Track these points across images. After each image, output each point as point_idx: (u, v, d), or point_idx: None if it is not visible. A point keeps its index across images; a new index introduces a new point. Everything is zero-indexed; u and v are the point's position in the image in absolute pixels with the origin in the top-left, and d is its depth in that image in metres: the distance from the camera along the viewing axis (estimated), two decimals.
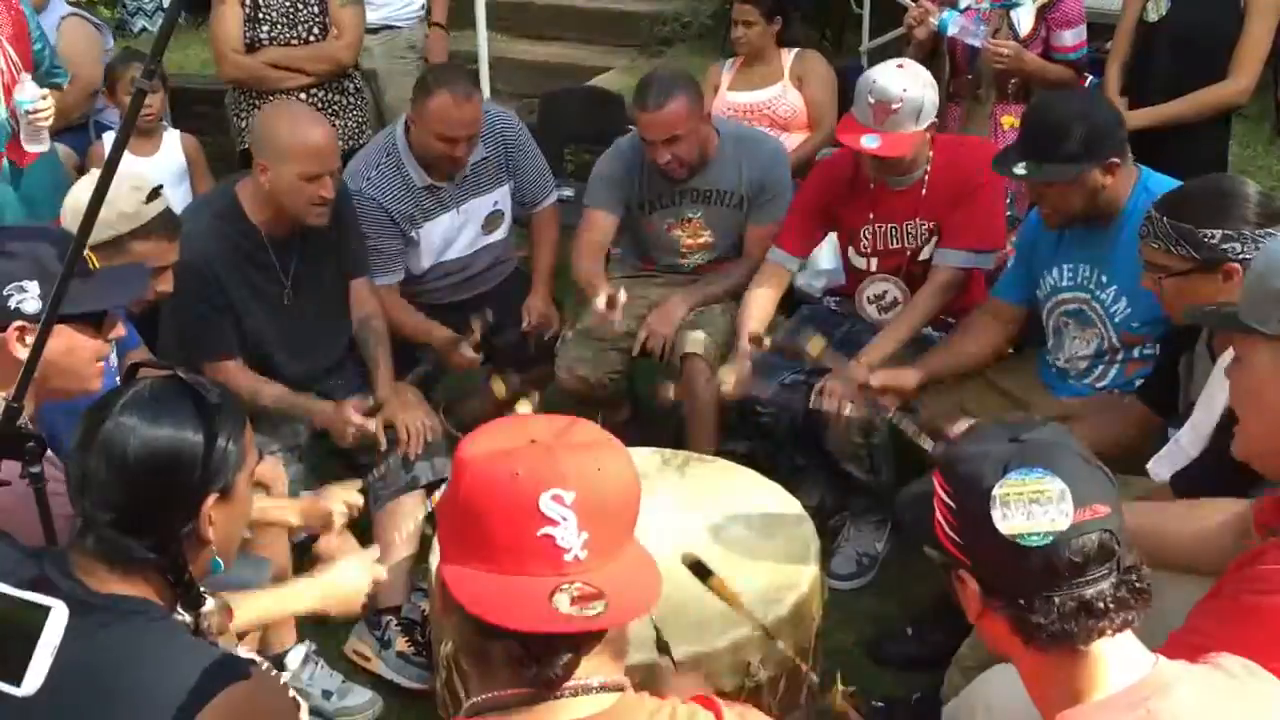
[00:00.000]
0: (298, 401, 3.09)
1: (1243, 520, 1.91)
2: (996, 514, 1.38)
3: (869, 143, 3.13)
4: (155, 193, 2.68)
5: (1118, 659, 1.40)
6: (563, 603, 1.20)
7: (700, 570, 2.15)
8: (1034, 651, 1.41)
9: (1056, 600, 1.36)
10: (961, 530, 1.43)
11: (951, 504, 1.44)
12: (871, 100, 3.10)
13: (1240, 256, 2.28)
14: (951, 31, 3.77)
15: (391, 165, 3.48)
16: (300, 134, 2.98)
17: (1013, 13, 3.79)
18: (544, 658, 1.23)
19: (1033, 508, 1.37)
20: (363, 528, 3.17)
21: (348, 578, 2.23)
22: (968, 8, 3.81)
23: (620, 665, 1.31)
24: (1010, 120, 3.89)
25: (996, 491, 1.38)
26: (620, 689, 1.29)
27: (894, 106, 3.08)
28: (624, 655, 1.32)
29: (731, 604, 2.19)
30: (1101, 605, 1.36)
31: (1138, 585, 1.39)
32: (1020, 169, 2.79)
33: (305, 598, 2.18)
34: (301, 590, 2.19)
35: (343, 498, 2.62)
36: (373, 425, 3.08)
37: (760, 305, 3.40)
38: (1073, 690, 1.40)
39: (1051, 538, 1.36)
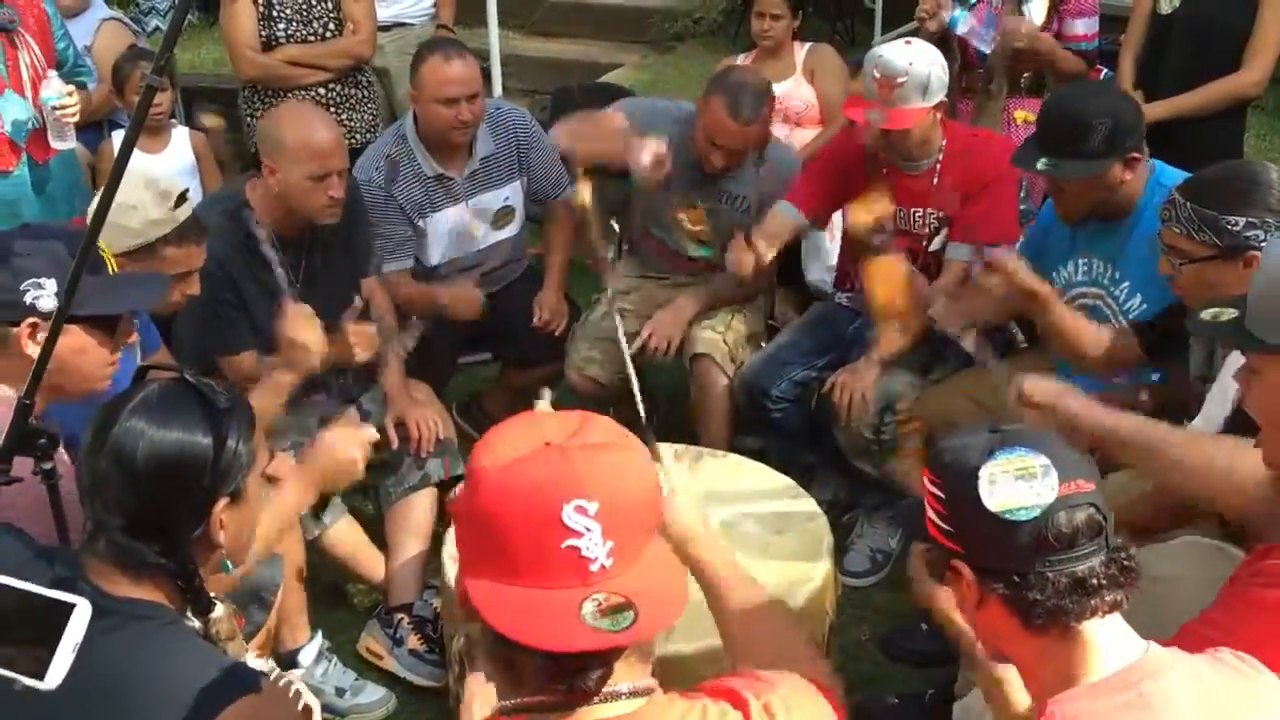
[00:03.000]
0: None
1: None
2: (984, 491, 1.40)
3: (874, 117, 3.12)
4: (183, 197, 2.67)
5: (1110, 643, 1.42)
6: (590, 613, 1.17)
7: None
8: (1030, 635, 1.42)
9: (1050, 576, 1.38)
10: (951, 518, 1.45)
11: (940, 493, 1.46)
12: (877, 75, 3.09)
13: (1263, 245, 2.24)
14: (961, 30, 3.75)
15: (402, 154, 3.48)
16: (306, 135, 2.97)
17: (1025, 7, 3.77)
18: (577, 673, 1.20)
19: (1019, 483, 1.39)
20: (373, 524, 3.19)
21: (337, 450, 2.25)
22: (979, 1, 3.80)
23: (647, 667, 1.28)
24: (1024, 115, 3.87)
25: (983, 471, 1.41)
26: (649, 692, 1.27)
27: (899, 80, 3.06)
28: (650, 656, 1.30)
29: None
30: (1094, 582, 1.39)
31: (1126, 564, 1.41)
32: (1042, 165, 2.76)
33: (304, 487, 2.20)
34: (298, 485, 2.20)
35: (356, 439, 2.34)
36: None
37: (769, 231, 3.32)
38: (1067, 674, 1.41)
39: (1039, 510, 1.38)
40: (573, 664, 1.19)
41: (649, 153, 3.20)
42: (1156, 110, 3.52)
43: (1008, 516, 1.39)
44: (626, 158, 3.30)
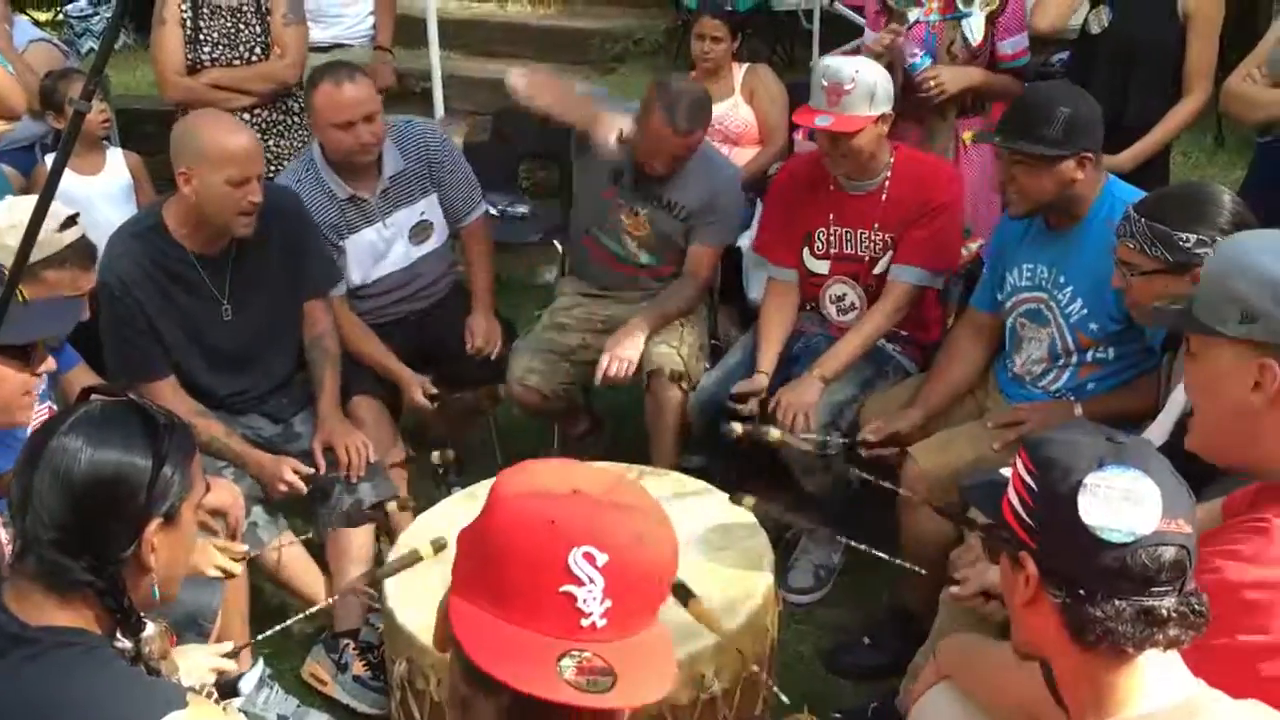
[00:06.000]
0: (232, 446, 3.06)
1: (1211, 519, 1.92)
2: (1083, 502, 1.35)
3: (821, 121, 3.18)
4: (70, 220, 2.62)
5: (1161, 675, 1.38)
6: (568, 669, 1.10)
7: (682, 593, 2.15)
8: (1079, 649, 1.38)
9: (1118, 602, 1.35)
10: (1037, 512, 1.40)
11: (1033, 485, 1.41)
12: (825, 83, 3.16)
13: None
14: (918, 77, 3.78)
15: (311, 178, 3.45)
16: (224, 139, 2.94)
17: (964, 23, 3.83)
18: None
19: (1122, 504, 1.35)
20: (315, 549, 3.16)
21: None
22: (917, 21, 3.85)
23: None
24: (970, 135, 3.92)
25: (1088, 480, 1.36)
26: None
27: (846, 87, 3.13)
28: None
29: (711, 628, 2.19)
30: (1162, 615, 1.35)
31: (1198, 608, 1.37)
32: (999, 139, 2.85)
33: None
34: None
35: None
36: (304, 488, 3.07)
37: (773, 340, 3.42)
38: (1112, 698, 1.38)
39: (1132, 538, 1.34)
40: (534, 714, 1.12)
41: (615, 130, 3.29)
42: (1130, 158, 3.50)
43: (1098, 534, 1.34)
44: (593, 129, 3.39)
